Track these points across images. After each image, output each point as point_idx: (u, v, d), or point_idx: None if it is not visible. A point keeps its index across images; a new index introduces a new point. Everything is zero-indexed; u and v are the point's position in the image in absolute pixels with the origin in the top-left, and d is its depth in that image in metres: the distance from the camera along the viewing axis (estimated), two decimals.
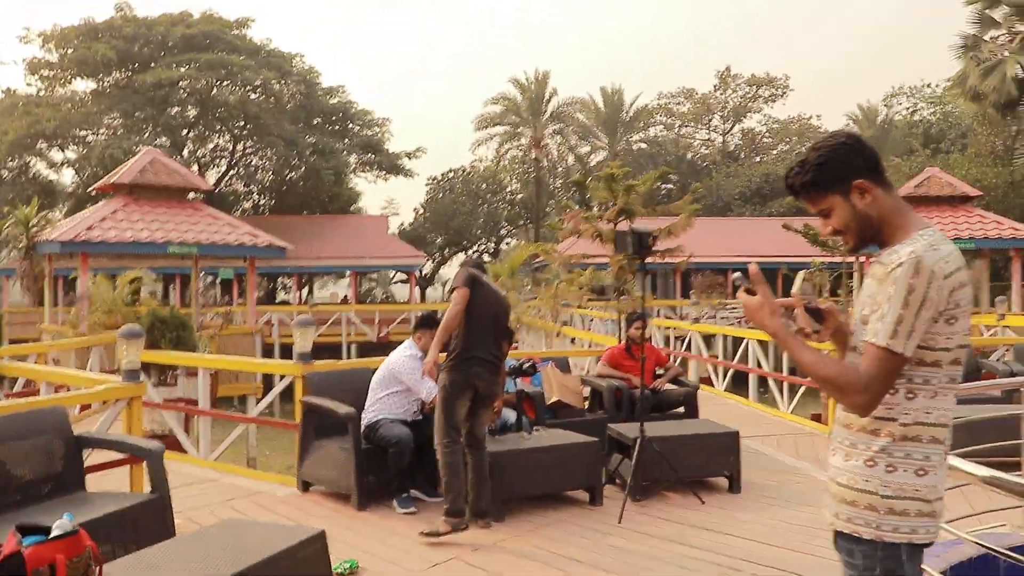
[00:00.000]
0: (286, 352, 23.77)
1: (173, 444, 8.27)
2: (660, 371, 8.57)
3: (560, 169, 50.81)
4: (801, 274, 2.48)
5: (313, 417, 6.74)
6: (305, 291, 44.30)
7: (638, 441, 6.22)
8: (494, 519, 5.86)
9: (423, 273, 45.69)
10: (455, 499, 5.54)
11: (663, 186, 53.44)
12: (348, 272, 37.31)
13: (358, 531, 5.79)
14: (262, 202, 44.23)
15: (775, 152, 53.96)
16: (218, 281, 34.21)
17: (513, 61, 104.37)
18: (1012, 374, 8.99)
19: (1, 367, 8.51)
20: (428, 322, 6.70)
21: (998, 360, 10.19)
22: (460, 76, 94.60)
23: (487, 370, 5.56)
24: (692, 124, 55.49)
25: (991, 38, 36.66)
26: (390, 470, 6.25)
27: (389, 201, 59.20)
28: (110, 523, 4.47)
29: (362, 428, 6.36)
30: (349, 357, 25.65)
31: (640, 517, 6.05)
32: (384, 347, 24.45)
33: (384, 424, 6.28)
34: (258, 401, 10.28)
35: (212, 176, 42.34)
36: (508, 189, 49.90)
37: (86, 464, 5.23)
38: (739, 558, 5.15)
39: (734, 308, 26.16)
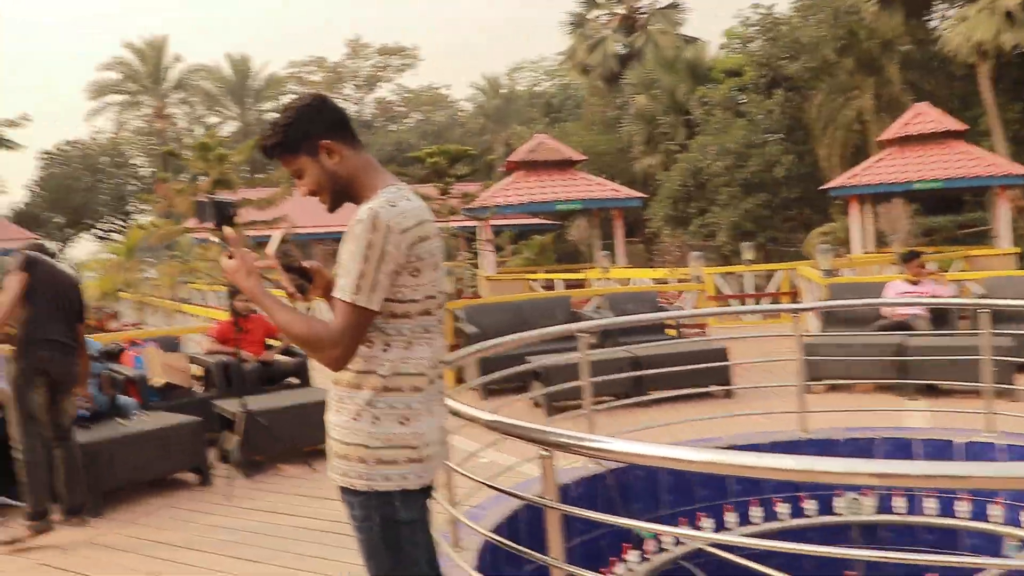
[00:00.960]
0: None
1: None
2: (272, 342, 8.39)
3: (189, 141, 48.19)
4: (278, 234, 2.39)
5: None
6: None
7: (242, 415, 6.13)
8: (91, 515, 5.49)
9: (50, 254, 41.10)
10: (37, 500, 5.11)
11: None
12: None
13: None
14: None
15: (409, 121, 55.45)
16: None
17: (127, 25, 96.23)
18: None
19: None
20: None
21: (594, 310, 11.26)
22: (63, 36, 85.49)
23: (59, 352, 5.16)
24: (325, 93, 55.16)
25: (595, 17, 40.70)
26: None
27: None
28: None
29: None
30: None
31: (252, 493, 5.98)
32: None
33: None
34: None
35: None
36: (132, 163, 46.44)
37: None
38: (344, 520, 5.26)
39: None
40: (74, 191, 41.53)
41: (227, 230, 2.38)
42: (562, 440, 2.71)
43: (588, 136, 33.86)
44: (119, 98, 45.26)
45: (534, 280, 17.73)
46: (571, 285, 16.54)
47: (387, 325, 2.22)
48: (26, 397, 5.09)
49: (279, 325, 2.23)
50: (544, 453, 2.79)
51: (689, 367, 7.66)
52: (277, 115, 2.36)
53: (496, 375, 6.13)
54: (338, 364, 2.20)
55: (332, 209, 2.33)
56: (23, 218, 38.78)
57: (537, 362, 7.91)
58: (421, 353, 2.25)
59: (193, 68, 46.58)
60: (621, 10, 39.23)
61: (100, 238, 43.21)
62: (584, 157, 22.11)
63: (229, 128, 48.86)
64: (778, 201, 23.82)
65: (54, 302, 5.22)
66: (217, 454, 6.67)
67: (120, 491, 5.93)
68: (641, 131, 31.62)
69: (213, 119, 49.26)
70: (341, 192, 2.32)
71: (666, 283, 13.49)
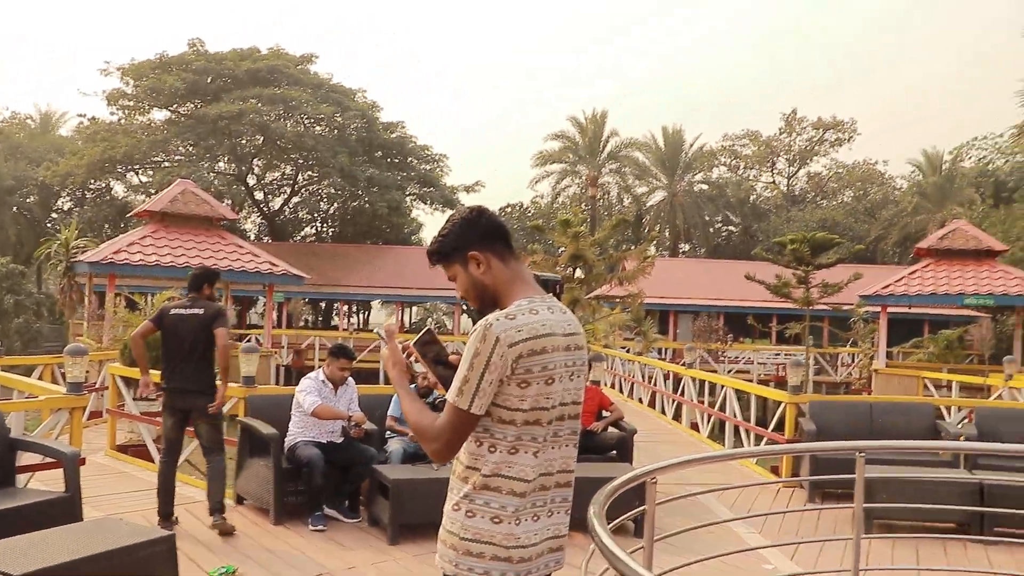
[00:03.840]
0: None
1: (145, 453, 9.04)
2: (605, 413, 8.72)
3: (617, 208, 51.15)
4: (424, 331, 2.67)
5: (248, 436, 7.37)
6: (359, 317, 45.47)
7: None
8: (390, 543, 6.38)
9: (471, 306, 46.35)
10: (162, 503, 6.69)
11: (724, 229, 53.53)
12: (392, 302, 38.29)
13: (262, 541, 6.37)
14: (325, 230, 45.81)
15: (843, 197, 53.43)
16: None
17: (574, 100, 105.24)
18: (963, 438, 9.08)
19: None
20: (335, 352, 7.31)
21: (959, 423, 10.23)
22: (522, 114, 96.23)
23: (178, 393, 6.65)
24: (756, 167, 55.36)
25: None
26: (306, 489, 6.84)
27: None
28: (26, 513, 5.17)
29: (284, 448, 6.96)
30: (388, 383, 26.18)
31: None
32: None
33: (300, 446, 6.87)
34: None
35: (277, 203, 44.15)
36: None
37: (21, 464, 5.97)
38: None
39: (734, 356, 26.23)
40: None
41: (389, 325, 2.85)
42: None
43: None
44: (558, 167, 49.61)
45: (928, 378, 16.30)
46: (968, 389, 14.97)
47: (495, 429, 2.36)
48: (165, 424, 6.59)
49: (404, 413, 2.49)
50: None
51: None
52: (443, 226, 2.60)
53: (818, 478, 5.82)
54: (438, 457, 2.40)
55: (480, 314, 2.52)
56: None
57: (870, 472, 7.45)
58: (525, 460, 2.37)
59: (628, 141, 49.62)
60: None
61: None
62: (1004, 247, 19.84)
63: (657, 197, 51.08)
64: None
65: (179, 347, 6.43)
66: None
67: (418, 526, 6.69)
68: None
69: (642, 188, 51.81)
70: (487, 300, 2.51)
71: None
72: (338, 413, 7.00)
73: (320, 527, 6.72)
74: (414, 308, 46.40)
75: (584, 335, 2.59)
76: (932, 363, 19.34)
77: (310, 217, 45.97)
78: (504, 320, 2.33)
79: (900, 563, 6.64)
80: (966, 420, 10.09)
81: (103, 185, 41.46)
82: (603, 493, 3.46)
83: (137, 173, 40.33)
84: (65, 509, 5.41)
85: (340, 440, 7.11)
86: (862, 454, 5.27)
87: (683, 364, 14.88)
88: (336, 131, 38.59)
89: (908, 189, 47.61)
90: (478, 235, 2.51)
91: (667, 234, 50.09)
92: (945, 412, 11.09)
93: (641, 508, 3.90)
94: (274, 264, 17.87)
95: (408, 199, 42.36)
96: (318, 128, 38.57)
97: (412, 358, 2.66)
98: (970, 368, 19.18)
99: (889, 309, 18.36)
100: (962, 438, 9.11)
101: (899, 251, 42.67)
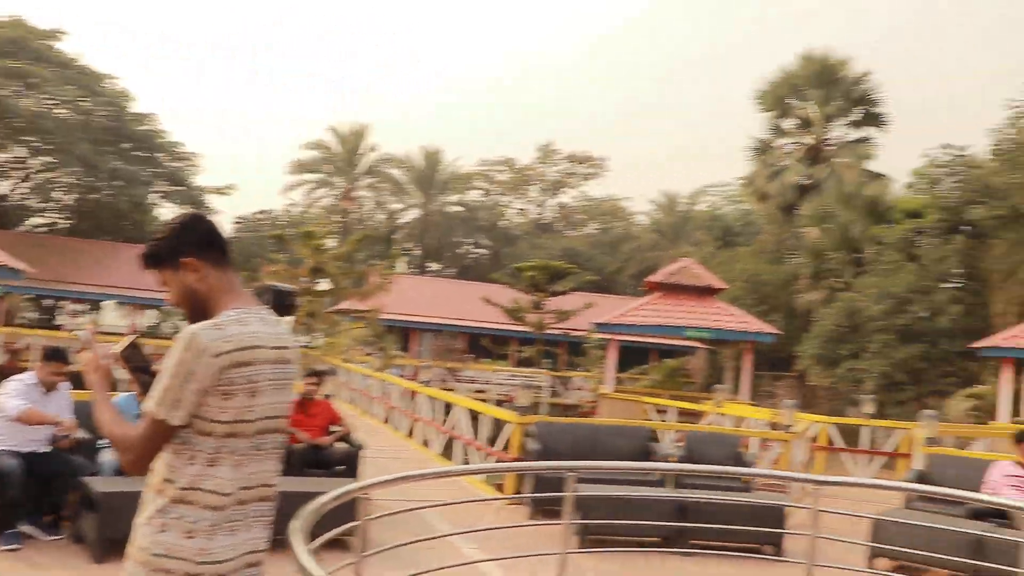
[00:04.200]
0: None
1: None
2: (334, 428, 8.67)
3: (370, 222, 50.86)
4: (128, 337, 2.56)
5: None
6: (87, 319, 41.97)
7: None
8: None
9: None
10: None
11: (474, 251, 54.59)
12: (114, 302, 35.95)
13: None
14: (57, 222, 41.85)
15: (587, 229, 56.19)
16: None
17: (340, 109, 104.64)
18: (667, 459, 9.65)
19: None
20: (48, 355, 6.66)
21: (672, 443, 10.80)
22: (281, 121, 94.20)
23: None
24: (510, 193, 57.03)
25: (780, 145, 40.13)
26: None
27: None
28: None
29: None
30: (115, 390, 24.31)
31: None
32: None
33: None
34: None
35: (4, 187, 39.85)
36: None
37: None
38: None
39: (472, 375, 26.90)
40: (254, 257, 44.56)
41: (89, 329, 2.60)
42: None
43: (755, 264, 33.08)
44: (315, 176, 48.58)
45: (649, 404, 17.25)
46: (684, 414, 15.99)
47: (195, 440, 2.27)
48: None
49: (96, 420, 2.35)
50: None
51: (738, 527, 7.15)
52: (158, 229, 2.51)
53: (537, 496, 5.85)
54: (132, 468, 2.29)
55: (191, 322, 2.38)
56: None
57: (581, 490, 7.60)
58: (223, 473, 2.28)
59: (385, 157, 49.53)
60: (809, 140, 38.45)
61: None
62: (724, 285, 21.57)
63: (411, 214, 51.26)
64: (937, 353, 22.16)
65: None
66: None
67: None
68: (809, 264, 30.63)
69: (397, 205, 51.84)
70: (198, 307, 2.42)
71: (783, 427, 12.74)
72: (46, 418, 6.34)
73: (13, 546, 6.00)
74: (151, 312, 43.48)
75: (296, 349, 2.52)
76: (655, 389, 20.56)
77: (42, 206, 41.80)
78: (211, 329, 2.28)
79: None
80: (679, 442, 10.63)
81: None
82: (309, 509, 3.42)
83: None
84: None
85: (45, 450, 6.41)
86: (572, 473, 5.41)
87: (420, 382, 14.80)
88: (81, 116, 35.48)
89: (648, 226, 50.83)
90: (194, 241, 2.43)
91: (418, 252, 50.37)
92: (661, 435, 11.68)
93: (353, 523, 3.90)
94: None
95: (154, 196, 39.77)
96: (61, 111, 35.25)
97: (115, 364, 2.53)
98: (688, 395, 20.57)
99: (619, 337, 19.31)
100: (673, 459, 9.65)
101: (635, 283, 45.37)
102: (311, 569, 2.47)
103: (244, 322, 2.33)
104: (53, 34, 36.13)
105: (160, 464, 2.31)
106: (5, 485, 5.96)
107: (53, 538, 6.31)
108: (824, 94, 35.48)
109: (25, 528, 6.21)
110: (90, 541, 6.09)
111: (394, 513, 5.15)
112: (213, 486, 2.27)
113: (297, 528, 3.06)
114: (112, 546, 5.83)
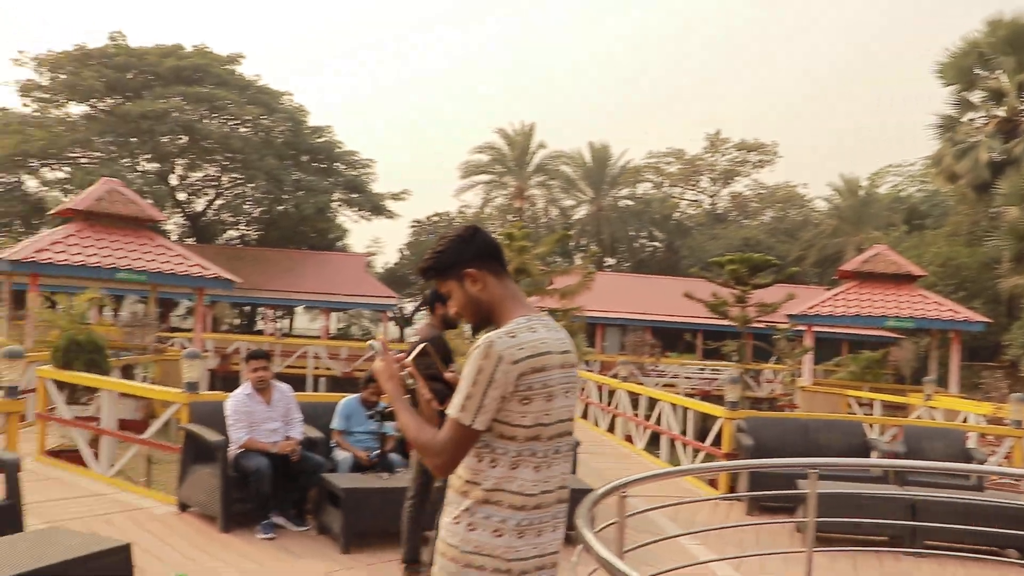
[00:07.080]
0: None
1: (78, 459, 8.71)
2: None
3: (544, 221, 51.45)
4: (421, 346, 2.73)
5: (192, 443, 7.15)
6: (284, 323, 44.80)
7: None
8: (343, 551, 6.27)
9: (402, 313, 46.32)
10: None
11: (648, 244, 54.29)
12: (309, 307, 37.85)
13: (208, 550, 6.18)
14: (248, 233, 44.93)
15: (764, 217, 54.78)
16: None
17: (503, 110, 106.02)
18: (895, 455, 9.40)
19: None
20: (247, 356, 7.21)
21: (889, 440, 10.53)
22: (451, 123, 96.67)
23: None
24: (681, 184, 56.35)
25: (969, 120, 37.73)
26: (253, 497, 6.67)
27: (375, 240, 59.84)
28: None
29: (231, 456, 6.77)
30: (316, 390, 25.94)
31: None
32: (350, 382, 24.79)
33: (246, 454, 6.69)
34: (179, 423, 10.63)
35: (199, 204, 43.11)
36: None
37: None
38: None
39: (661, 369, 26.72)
40: None
41: (381, 340, 2.81)
42: None
43: (949, 247, 31.35)
44: (486, 177, 49.72)
45: (852, 397, 16.78)
46: (890, 407, 15.48)
47: (496, 444, 2.40)
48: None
49: (399, 425, 2.53)
50: None
51: (976, 527, 6.89)
52: (436, 242, 2.63)
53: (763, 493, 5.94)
54: (440, 471, 2.42)
55: (474, 331, 2.62)
56: (391, 276, 44.03)
57: (806, 487, 7.61)
58: (526, 475, 2.40)
59: (555, 154, 49.98)
60: (1001, 112, 35.99)
61: None
62: (923, 272, 20.61)
63: (583, 210, 51.54)
64: None
65: None
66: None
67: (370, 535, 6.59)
68: (1011, 247, 28.68)
69: (568, 201, 52.25)
70: (483, 316, 2.55)
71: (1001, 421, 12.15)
72: (265, 446, 6.76)
73: (270, 535, 6.59)
74: (336, 315, 45.90)
75: (576, 353, 2.61)
76: (852, 381, 19.93)
77: (234, 220, 44.99)
78: (506, 338, 2.38)
79: (842, 575, 6.82)
80: (894, 438, 10.38)
81: (14, 179, 39.81)
82: (585, 505, 3.58)
83: (52, 169, 38.80)
84: (5, 518, 5.16)
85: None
86: (815, 470, 5.47)
87: (616, 377, 15.01)
88: (262, 133, 37.94)
89: (829, 212, 49.00)
90: (473, 253, 2.54)
91: (595, 247, 50.62)
92: (867, 429, 11.40)
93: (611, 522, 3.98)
94: (204, 267, 17.44)
95: (334, 204, 41.90)
96: (244, 129, 37.82)
97: (406, 372, 2.64)
98: (888, 387, 19.83)
99: (816, 328, 18.89)
100: (898, 455, 9.40)
101: (818, 271, 43.87)
102: (608, 558, 2.62)
103: (533, 329, 2.42)
104: (233, 59, 38.59)
105: (462, 467, 2.43)
106: (258, 482, 6.55)
107: (301, 529, 6.84)
108: (1016, 61, 32.64)
109: (277, 520, 6.77)
110: (335, 533, 6.52)
111: (647, 510, 5.33)
112: (517, 487, 2.39)
113: (583, 517, 3.29)
114: (356, 538, 6.38)
